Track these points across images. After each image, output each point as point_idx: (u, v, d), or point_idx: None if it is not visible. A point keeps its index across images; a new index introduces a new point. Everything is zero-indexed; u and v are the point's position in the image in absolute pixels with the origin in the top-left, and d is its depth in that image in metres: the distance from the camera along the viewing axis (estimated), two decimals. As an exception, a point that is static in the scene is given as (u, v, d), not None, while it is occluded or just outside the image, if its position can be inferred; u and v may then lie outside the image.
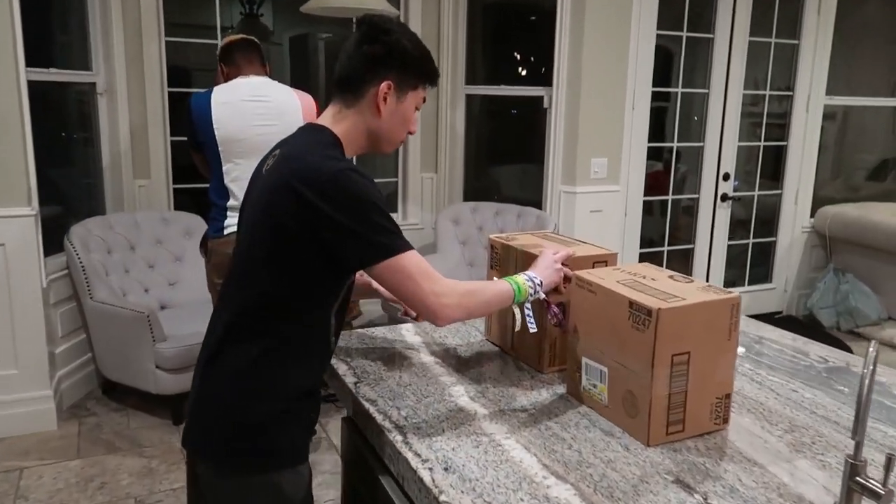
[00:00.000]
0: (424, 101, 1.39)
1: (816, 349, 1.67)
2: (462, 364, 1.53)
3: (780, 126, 4.61)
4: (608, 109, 3.86)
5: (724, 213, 4.47)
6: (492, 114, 4.62)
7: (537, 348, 1.50)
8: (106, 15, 3.43)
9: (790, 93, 4.51)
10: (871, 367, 0.87)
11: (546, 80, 3.95)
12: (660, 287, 1.24)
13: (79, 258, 3.08)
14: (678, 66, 4.19)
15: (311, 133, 1.32)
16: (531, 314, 1.45)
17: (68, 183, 3.65)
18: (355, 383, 1.42)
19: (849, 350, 4.09)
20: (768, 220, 4.71)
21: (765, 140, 4.56)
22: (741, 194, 4.56)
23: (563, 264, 1.43)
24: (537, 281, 1.38)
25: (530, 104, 4.14)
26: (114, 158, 3.58)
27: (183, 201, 3.81)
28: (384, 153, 1.41)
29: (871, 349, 0.89)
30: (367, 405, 1.32)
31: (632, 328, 1.18)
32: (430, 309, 1.24)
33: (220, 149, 2.50)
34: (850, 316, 4.43)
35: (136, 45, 3.53)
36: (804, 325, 4.60)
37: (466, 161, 4.39)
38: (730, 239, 4.54)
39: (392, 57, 1.30)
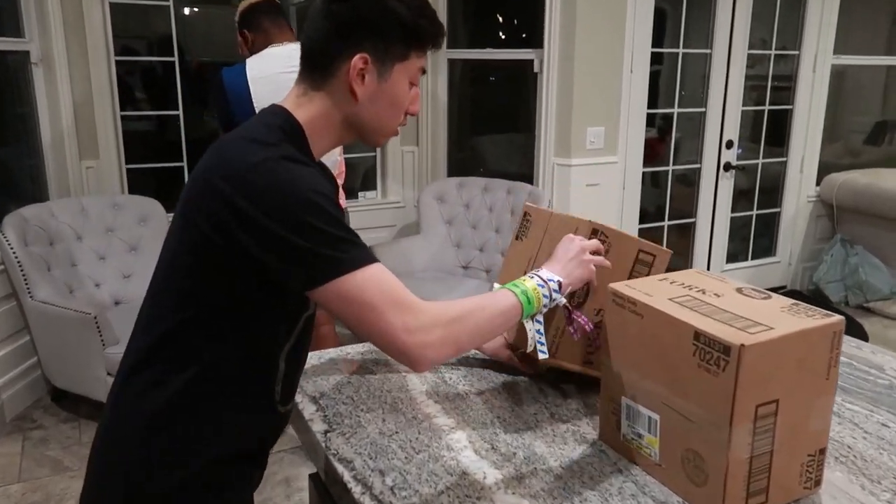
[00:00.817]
0: (424, 71, 1.04)
1: (890, 361, 1.38)
2: (460, 397, 1.21)
3: (782, 90, 4.30)
4: (604, 73, 3.51)
5: (727, 184, 4.17)
6: (477, 80, 4.25)
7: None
8: (38, -27, 3.01)
9: (796, 52, 4.19)
10: None
11: (536, 41, 3.59)
12: (730, 308, 0.93)
13: (14, 252, 2.71)
14: (678, 25, 3.84)
15: (259, 117, 1.00)
16: (542, 334, 1.08)
17: (2, 167, 3.25)
18: (326, 432, 1.10)
19: (862, 329, 3.86)
20: (772, 190, 4.42)
21: (770, 104, 4.25)
22: (744, 163, 4.25)
23: (594, 253, 1.11)
24: (553, 283, 1.04)
25: (519, 69, 3.78)
26: (56, 137, 3.18)
27: (138, 183, 3.43)
28: (376, 145, 1.06)
29: None
30: (340, 468, 1.00)
31: (699, 368, 0.87)
32: (403, 350, 0.88)
33: None
34: (859, 290, 4.18)
35: (75, 7, 3.11)
36: (810, 300, 4.34)
37: (450, 133, 4.04)
38: (732, 211, 4.25)
39: (363, 21, 0.96)
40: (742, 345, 0.81)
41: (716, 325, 0.87)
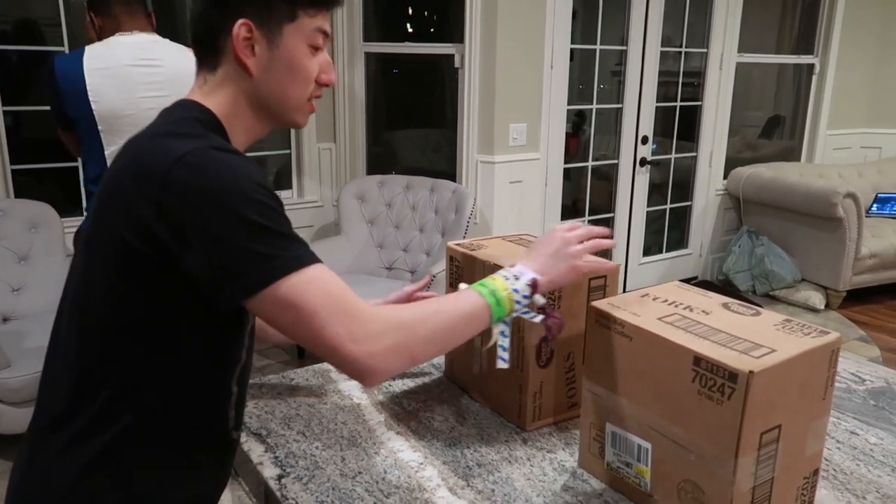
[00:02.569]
0: (327, 34, 0.92)
1: (843, 363, 1.38)
2: (423, 426, 1.12)
3: (691, 86, 4.42)
4: (526, 69, 3.48)
5: (643, 179, 4.25)
6: (395, 74, 4.13)
7: (516, 395, 1.10)
8: None
9: (704, 50, 4.32)
10: None
11: (457, 35, 3.51)
12: (724, 327, 0.87)
13: None
14: (596, 22, 3.86)
15: (170, 112, 0.89)
16: (506, 337, 0.95)
17: None
18: (280, 477, 0.97)
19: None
20: (684, 184, 4.55)
21: (680, 100, 4.36)
22: (659, 158, 4.35)
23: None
24: (525, 280, 0.91)
25: (438, 63, 3.69)
26: (-74, 135, 2.83)
27: (26, 186, 3.11)
28: (295, 125, 0.94)
29: None
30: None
31: (699, 395, 0.81)
32: (349, 361, 0.77)
33: (99, 127, 1.92)
34: (765, 279, 4.37)
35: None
36: (720, 289, 4.51)
37: (368, 129, 3.90)
38: (647, 205, 4.34)
39: None
40: (751, 371, 0.76)
41: (716, 349, 0.81)
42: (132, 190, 0.77)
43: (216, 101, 0.89)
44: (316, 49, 0.91)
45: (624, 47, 3.96)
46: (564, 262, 0.95)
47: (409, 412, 1.16)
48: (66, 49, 3.07)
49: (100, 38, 2.02)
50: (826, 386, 0.86)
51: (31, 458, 0.84)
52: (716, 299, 0.97)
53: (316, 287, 0.77)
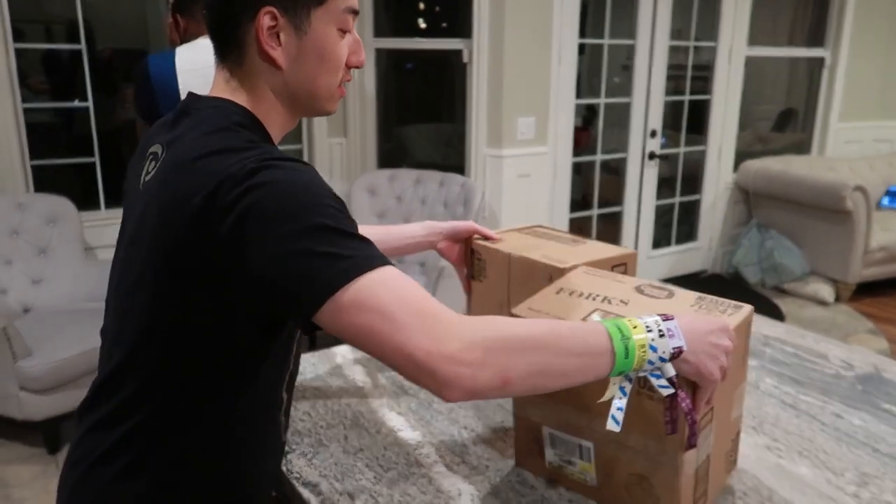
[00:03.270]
0: (356, 13, 0.85)
1: (834, 350, 1.42)
2: (423, 407, 1.17)
3: (701, 79, 4.43)
4: (534, 63, 3.51)
5: (652, 172, 4.27)
6: (404, 70, 4.18)
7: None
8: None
9: (714, 43, 4.32)
10: None
11: (465, 31, 3.55)
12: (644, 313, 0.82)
13: None
14: (603, 16, 3.88)
15: (207, 117, 0.81)
16: (624, 397, 0.78)
17: None
18: (285, 454, 1.03)
19: (778, 309, 4.06)
20: (693, 177, 4.56)
21: (690, 94, 4.37)
22: (667, 151, 4.37)
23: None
24: (671, 344, 0.75)
25: (447, 58, 3.74)
26: (-51, 132, 2.91)
27: (45, 180, 3.19)
28: (325, 114, 0.88)
29: None
30: (306, 493, 0.94)
31: (638, 395, 0.81)
32: (427, 366, 0.66)
33: None
34: (774, 272, 4.38)
35: (-34, -11, 2.85)
36: (729, 282, 4.53)
37: (379, 123, 3.95)
38: (657, 198, 4.36)
39: None
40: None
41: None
42: (199, 212, 0.71)
43: (245, 98, 0.84)
44: (345, 32, 0.85)
45: (632, 41, 3.98)
46: (711, 360, 0.78)
47: (410, 394, 1.21)
48: (83, 47, 3.15)
49: (183, 39, 2.12)
50: (744, 355, 0.93)
51: (77, 463, 0.83)
52: (629, 283, 0.98)
53: (392, 287, 0.69)
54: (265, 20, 0.79)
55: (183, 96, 2.18)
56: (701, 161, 4.53)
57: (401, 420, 1.12)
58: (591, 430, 0.89)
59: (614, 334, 0.73)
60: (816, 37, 4.92)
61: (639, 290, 0.95)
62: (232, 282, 0.72)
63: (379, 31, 3.80)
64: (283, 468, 0.99)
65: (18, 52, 3.01)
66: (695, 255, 4.66)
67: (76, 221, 3.06)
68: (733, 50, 4.35)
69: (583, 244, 1.15)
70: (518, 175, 3.59)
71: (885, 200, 4.75)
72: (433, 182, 3.61)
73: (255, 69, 0.82)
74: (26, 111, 3.06)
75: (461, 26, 3.59)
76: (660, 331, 0.75)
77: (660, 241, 4.54)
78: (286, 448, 1.03)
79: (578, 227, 4.10)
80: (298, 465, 1.00)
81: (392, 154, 4.08)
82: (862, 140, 5.23)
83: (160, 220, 0.74)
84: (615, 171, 4.25)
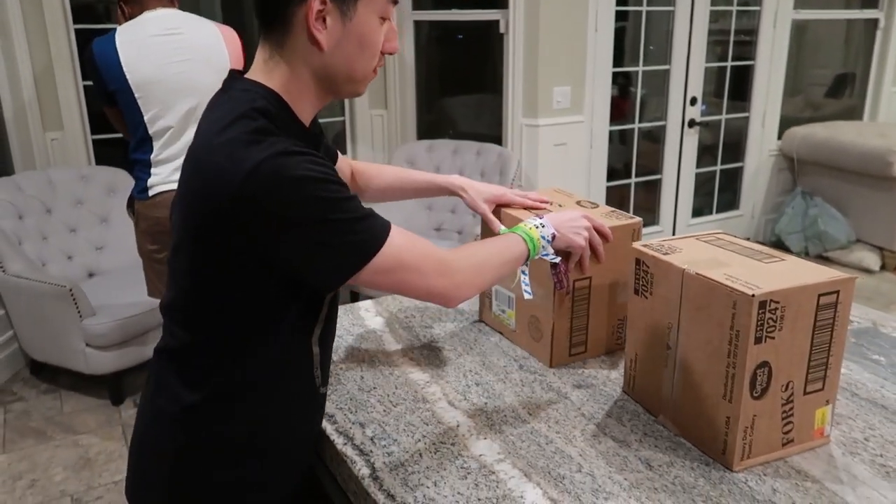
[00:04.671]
0: (395, 2, 0.92)
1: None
2: (434, 354, 1.28)
3: (744, 44, 4.36)
4: (569, 33, 3.54)
5: (692, 140, 4.25)
6: (442, 41, 4.24)
7: (722, 429, 0.94)
8: (-11, -61, 2.93)
9: (757, 7, 4.25)
10: None
11: (501, 1, 3.59)
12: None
13: (-17, 228, 2.70)
14: (642, -19, 3.86)
15: (232, 99, 0.88)
16: (526, 274, 1.15)
17: (-35, 140, 3.20)
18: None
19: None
20: (735, 145, 4.52)
21: (732, 60, 4.32)
22: (708, 119, 4.34)
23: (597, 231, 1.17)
24: (549, 231, 1.09)
25: (484, 29, 3.79)
26: (17, 109, 3.13)
27: (104, 154, 3.40)
28: (356, 96, 0.96)
29: None
30: (323, 423, 1.07)
31: (539, 259, 1.13)
32: (443, 293, 0.94)
33: (135, 95, 2.13)
34: (818, 240, 4.33)
35: (29, -26, 3.04)
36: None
37: (418, 95, 4.05)
38: (697, 166, 4.34)
39: None
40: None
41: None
42: (212, 205, 0.81)
43: (281, 79, 0.89)
44: (384, 20, 0.91)
45: (671, 7, 3.94)
46: (576, 235, 1.13)
47: (423, 342, 1.32)
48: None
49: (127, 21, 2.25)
50: (627, 255, 1.10)
51: (155, 379, 0.97)
52: (573, 198, 1.33)
53: (405, 247, 0.89)
54: (315, 3, 0.84)
55: (125, 66, 2.31)
56: (744, 128, 4.48)
57: (413, 364, 1.24)
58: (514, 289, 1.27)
59: (523, 236, 1.07)
60: (871, -3, 4.77)
61: (578, 202, 1.31)
62: (257, 260, 0.83)
63: (417, 4, 3.87)
64: (305, 402, 1.12)
65: (78, 33, 3.21)
66: (737, 224, 4.63)
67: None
68: (778, 13, 4.27)
69: (779, 262, 0.99)
70: (554, 144, 3.64)
71: (940, 167, 4.61)
72: (470, 152, 3.70)
73: (297, 49, 0.88)
74: (86, 89, 3.26)
75: (498, -3, 3.63)
76: (542, 224, 1.09)
77: (702, 209, 4.52)
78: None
79: (619, 196, 4.12)
80: (318, 399, 1.12)
81: (433, 125, 4.17)
82: (919, 105, 5.06)
83: (190, 205, 0.86)
84: (655, 139, 4.24)
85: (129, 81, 2.11)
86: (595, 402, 1.10)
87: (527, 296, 1.15)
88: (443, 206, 3.67)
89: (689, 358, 0.98)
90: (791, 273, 0.93)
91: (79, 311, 2.64)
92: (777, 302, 0.88)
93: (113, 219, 3.20)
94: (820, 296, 0.91)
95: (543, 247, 1.08)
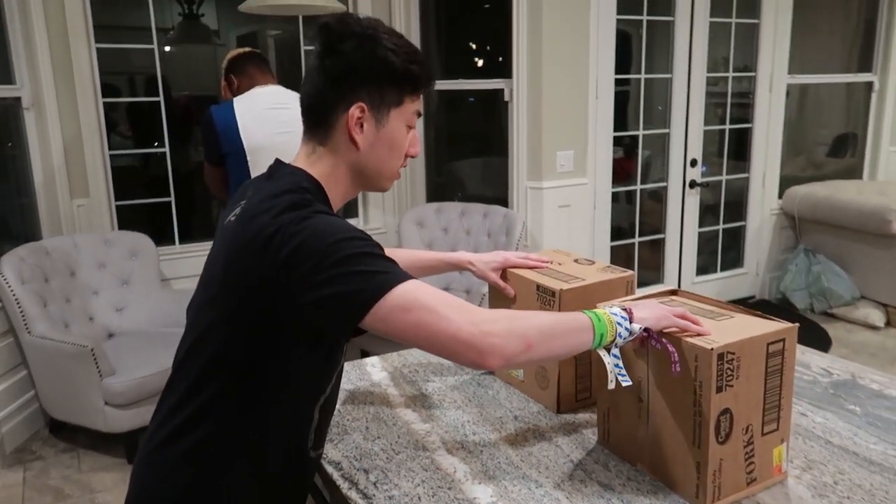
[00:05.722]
0: (420, 114, 1.09)
1: (817, 360, 1.54)
2: (436, 406, 1.37)
3: (743, 106, 4.52)
4: (571, 100, 3.71)
5: (694, 200, 4.37)
6: (450, 107, 4.44)
7: (693, 473, 1.02)
8: (27, 22, 3.16)
9: (752, 73, 4.42)
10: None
11: (505, 71, 3.79)
12: (564, 270, 1.36)
13: (12, 291, 2.83)
14: (639, 51, 4.06)
15: (279, 179, 1.03)
16: (619, 361, 1.03)
17: (-2, 207, 3.38)
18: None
19: (826, 334, 4.06)
20: (737, 204, 4.63)
21: (730, 123, 4.47)
22: (709, 179, 4.46)
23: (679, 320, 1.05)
24: (618, 307, 1.03)
25: (490, 95, 3.97)
26: (47, 177, 3.31)
27: (127, 219, 3.56)
28: (382, 190, 1.12)
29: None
30: (330, 469, 1.15)
31: (541, 307, 1.27)
32: (470, 342, 0.88)
33: (248, 159, 2.46)
34: (823, 297, 4.38)
35: (63, 53, 3.26)
36: (778, 308, 4.54)
37: (427, 158, 4.21)
38: (700, 226, 4.45)
39: (356, 72, 1.01)
40: (561, 289, 1.24)
41: (548, 280, 1.30)
42: (254, 245, 0.92)
43: (321, 169, 1.04)
44: (410, 128, 1.07)
45: (669, 75, 4.12)
46: (661, 311, 1.05)
47: (426, 396, 1.41)
48: (160, 98, 3.53)
49: (236, 94, 2.56)
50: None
51: (148, 442, 1.05)
52: (571, 256, 1.46)
53: (427, 290, 0.91)
54: (356, 111, 1.02)
55: (243, 134, 2.59)
56: (745, 188, 4.60)
57: (415, 416, 1.32)
58: None
59: (591, 316, 1.00)
60: (866, 61, 4.94)
61: (576, 260, 1.44)
62: (283, 300, 0.92)
63: (426, 75, 4.06)
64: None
65: (107, 105, 3.41)
66: (742, 282, 4.70)
67: (154, 255, 3.41)
68: (774, 78, 4.43)
69: (729, 318, 1.08)
70: (559, 206, 3.76)
71: (940, 223, 4.68)
72: (477, 214, 3.83)
73: (338, 147, 1.04)
74: (112, 157, 3.45)
75: (505, 66, 3.82)
76: (609, 304, 1.07)
77: (707, 267, 4.60)
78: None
79: (624, 255, 4.22)
80: (326, 448, 1.21)
81: (442, 187, 4.33)
82: (917, 163, 5.17)
83: (235, 252, 0.96)
84: (659, 199, 4.37)
85: (245, 146, 2.44)
86: (583, 449, 1.18)
87: (625, 383, 1.03)
88: (442, 245, 3.77)
89: (660, 409, 1.06)
90: (741, 327, 1.03)
91: (99, 371, 2.74)
92: (733, 353, 0.97)
93: (133, 281, 3.34)
94: (768, 344, 1.01)
95: (619, 323, 1.01)
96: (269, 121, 2.48)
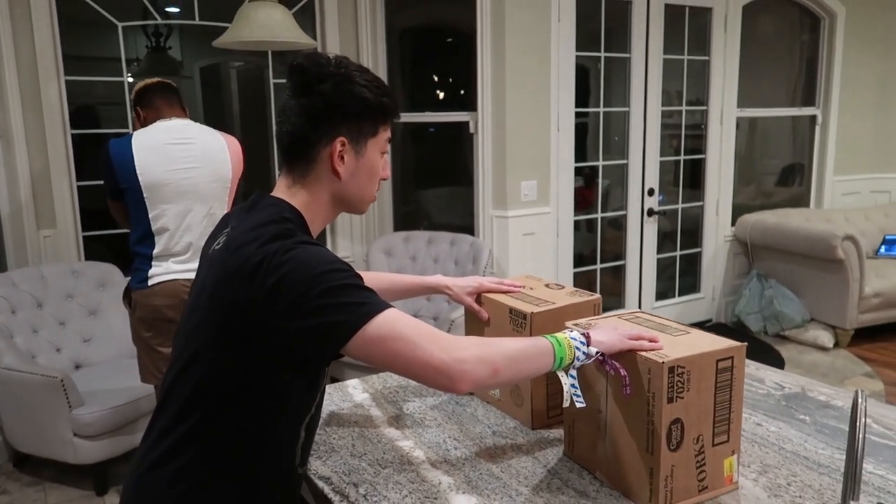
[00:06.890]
0: (390, 140, 1.19)
1: (770, 375, 1.66)
2: (417, 424, 1.43)
3: (697, 138, 4.74)
4: (534, 132, 3.86)
5: (652, 228, 4.54)
6: (416, 138, 4.55)
7: (646, 479, 1.10)
8: (-3, 55, 3.18)
9: (704, 107, 4.65)
10: (863, 420, 0.83)
11: (469, 104, 3.92)
12: (536, 294, 1.44)
13: (-21, 322, 2.81)
14: (598, 85, 4.24)
15: (262, 209, 1.10)
16: (576, 386, 1.13)
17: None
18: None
19: (779, 355, 4.23)
20: (692, 231, 4.82)
21: (684, 154, 4.68)
22: (666, 208, 4.65)
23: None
24: (578, 332, 1.11)
25: (455, 128, 4.10)
26: (14, 209, 3.30)
27: (94, 250, 3.56)
28: (360, 213, 1.21)
29: (859, 400, 0.85)
30: (321, 484, 1.20)
31: (513, 331, 1.36)
32: (442, 369, 0.95)
33: (144, 195, 2.34)
34: (775, 320, 4.56)
35: (32, 86, 3.28)
36: (734, 331, 4.72)
37: (394, 188, 4.30)
38: (658, 252, 4.61)
39: (336, 109, 1.09)
40: (532, 312, 1.32)
41: (520, 304, 1.38)
42: (238, 287, 0.98)
43: (302, 199, 1.11)
44: (383, 154, 1.17)
45: (626, 108, 4.31)
46: (617, 335, 1.12)
47: (407, 415, 1.47)
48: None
49: (144, 126, 2.48)
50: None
51: (137, 465, 1.09)
52: (541, 282, 1.54)
53: (403, 320, 0.98)
54: (338, 145, 1.10)
55: (139, 170, 2.55)
56: (700, 216, 4.80)
57: (398, 433, 1.39)
58: None
59: (546, 336, 1.10)
60: (809, 96, 5.23)
61: (547, 285, 1.53)
62: (269, 327, 0.98)
63: (393, 107, 4.17)
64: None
65: (75, 136, 3.42)
66: (699, 306, 4.87)
67: (122, 285, 3.39)
68: (724, 112, 4.66)
69: (685, 335, 1.17)
70: (523, 234, 3.88)
71: (883, 249, 4.94)
72: (444, 242, 3.92)
73: (319, 178, 1.12)
74: (80, 189, 3.45)
75: (469, 99, 3.96)
76: (569, 329, 1.15)
77: (666, 292, 4.76)
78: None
79: (587, 281, 4.35)
80: (315, 464, 1.26)
81: (409, 215, 4.42)
82: (859, 192, 5.46)
83: (222, 281, 1.02)
84: (619, 227, 4.53)
85: (141, 183, 2.32)
86: (558, 461, 1.26)
87: (578, 405, 1.12)
88: (409, 273, 3.83)
89: (617, 420, 1.14)
90: (694, 343, 1.12)
91: (69, 402, 2.73)
92: (683, 367, 1.06)
93: (101, 311, 3.33)
94: (718, 361, 1.10)
95: (577, 347, 1.08)
96: (168, 156, 2.34)
